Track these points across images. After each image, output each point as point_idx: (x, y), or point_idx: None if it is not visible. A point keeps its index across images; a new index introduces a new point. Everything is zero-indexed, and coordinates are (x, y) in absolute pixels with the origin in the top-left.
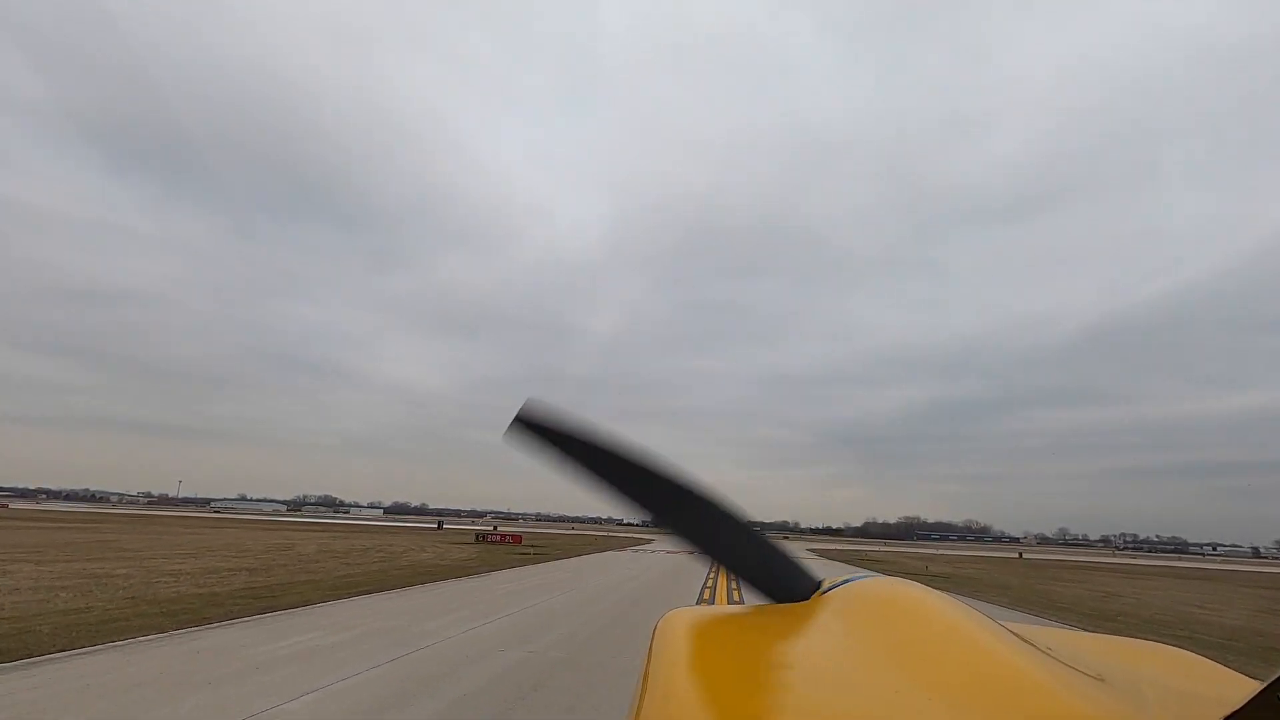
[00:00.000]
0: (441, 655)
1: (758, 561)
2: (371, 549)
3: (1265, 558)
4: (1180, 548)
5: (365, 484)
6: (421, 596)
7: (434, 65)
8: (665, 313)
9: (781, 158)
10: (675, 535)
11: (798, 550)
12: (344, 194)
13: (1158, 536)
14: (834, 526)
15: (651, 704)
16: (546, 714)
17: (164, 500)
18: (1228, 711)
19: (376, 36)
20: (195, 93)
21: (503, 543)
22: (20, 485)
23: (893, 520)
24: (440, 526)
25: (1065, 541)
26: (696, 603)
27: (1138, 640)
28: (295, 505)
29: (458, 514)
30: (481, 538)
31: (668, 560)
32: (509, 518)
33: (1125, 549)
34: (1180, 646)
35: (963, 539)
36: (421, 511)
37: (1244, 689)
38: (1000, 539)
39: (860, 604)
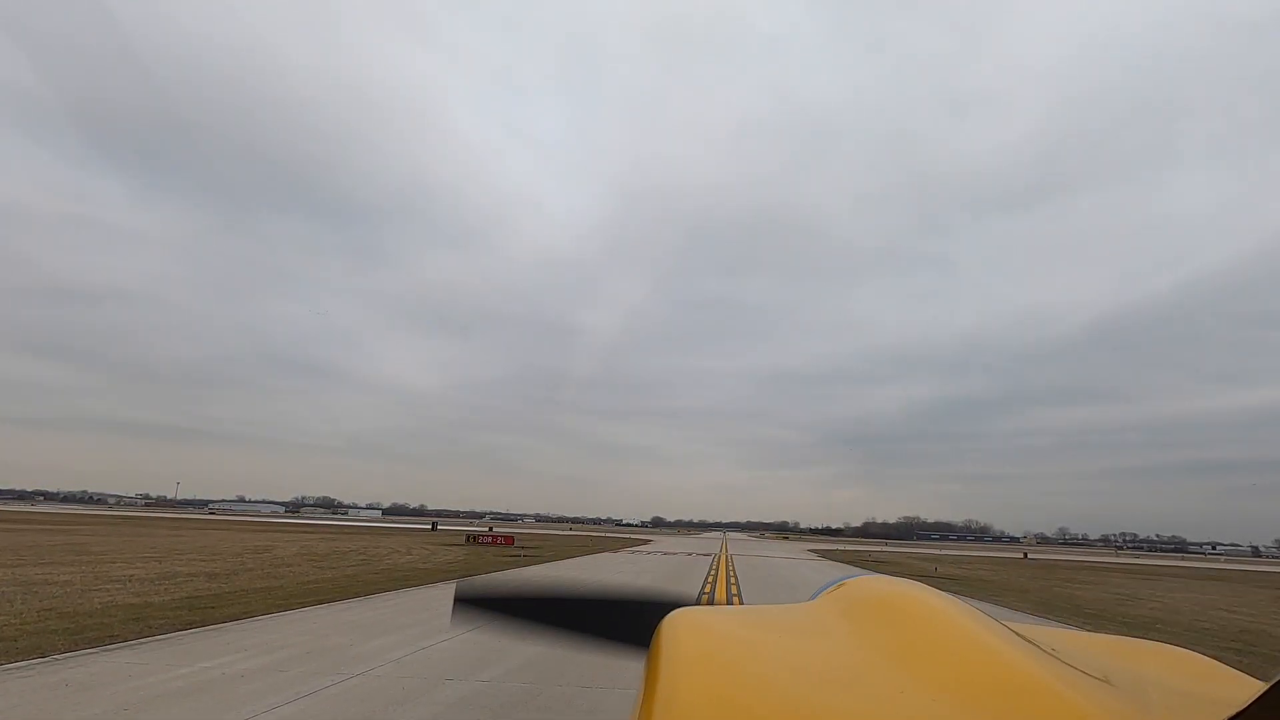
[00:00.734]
0: (371, 689)
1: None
2: (354, 551)
3: (1265, 557)
4: (1180, 547)
5: (365, 485)
6: (382, 606)
7: (430, 55)
8: (659, 309)
9: (778, 143)
10: (609, 646)
11: (798, 550)
12: (336, 186)
13: (1158, 536)
14: (834, 526)
15: (655, 704)
16: None
17: (162, 502)
18: (1232, 712)
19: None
20: (184, 78)
21: (495, 544)
22: (18, 488)
23: (893, 520)
24: (434, 528)
25: (1066, 541)
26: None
27: (1141, 640)
28: (294, 507)
29: (456, 515)
30: (473, 539)
31: (665, 562)
32: (507, 519)
33: (1126, 548)
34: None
35: (963, 539)
36: (420, 513)
37: (1248, 689)
38: (1000, 539)
39: (863, 604)
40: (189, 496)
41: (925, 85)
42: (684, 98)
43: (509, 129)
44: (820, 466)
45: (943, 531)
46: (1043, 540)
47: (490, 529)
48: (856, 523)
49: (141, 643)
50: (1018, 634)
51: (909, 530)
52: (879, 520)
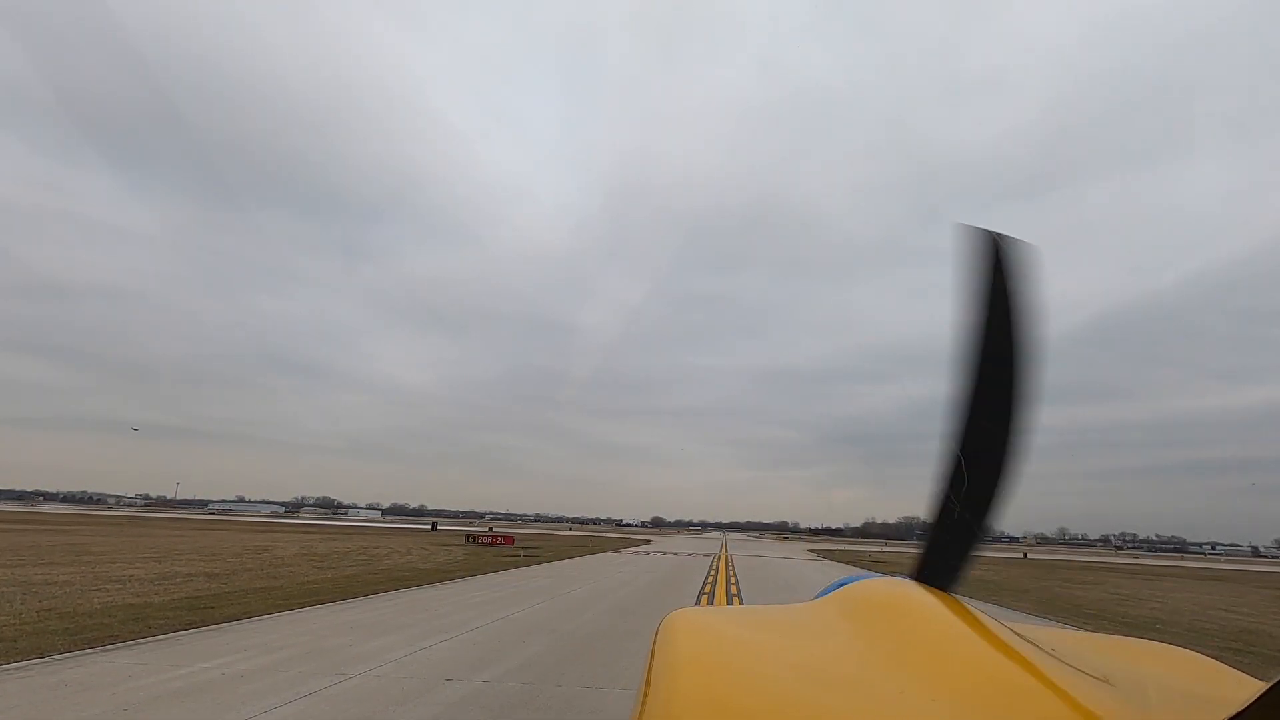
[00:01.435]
0: (371, 689)
1: (949, 539)
2: (353, 552)
3: (1265, 557)
4: (1180, 547)
5: (365, 485)
6: (381, 606)
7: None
8: (655, 306)
9: (771, 130)
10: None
11: (798, 550)
12: (330, 182)
13: (1157, 536)
14: (834, 526)
15: (654, 705)
16: None
17: (162, 502)
18: (1233, 712)
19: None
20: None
21: (494, 544)
22: (18, 488)
23: (893, 520)
24: (434, 528)
25: (1065, 541)
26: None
27: (1141, 640)
28: (293, 507)
29: (456, 515)
30: (473, 539)
31: (665, 563)
32: (507, 519)
33: (1125, 548)
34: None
35: None
36: (420, 513)
37: (1249, 689)
38: (1000, 538)
39: (863, 604)
40: (189, 497)
41: (924, 67)
42: (674, 84)
43: (499, 120)
44: (819, 466)
45: (979, 550)
46: (1042, 540)
47: (490, 529)
48: (856, 523)
49: (141, 643)
50: (1017, 634)
51: (909, 530)
52: (879, 520)
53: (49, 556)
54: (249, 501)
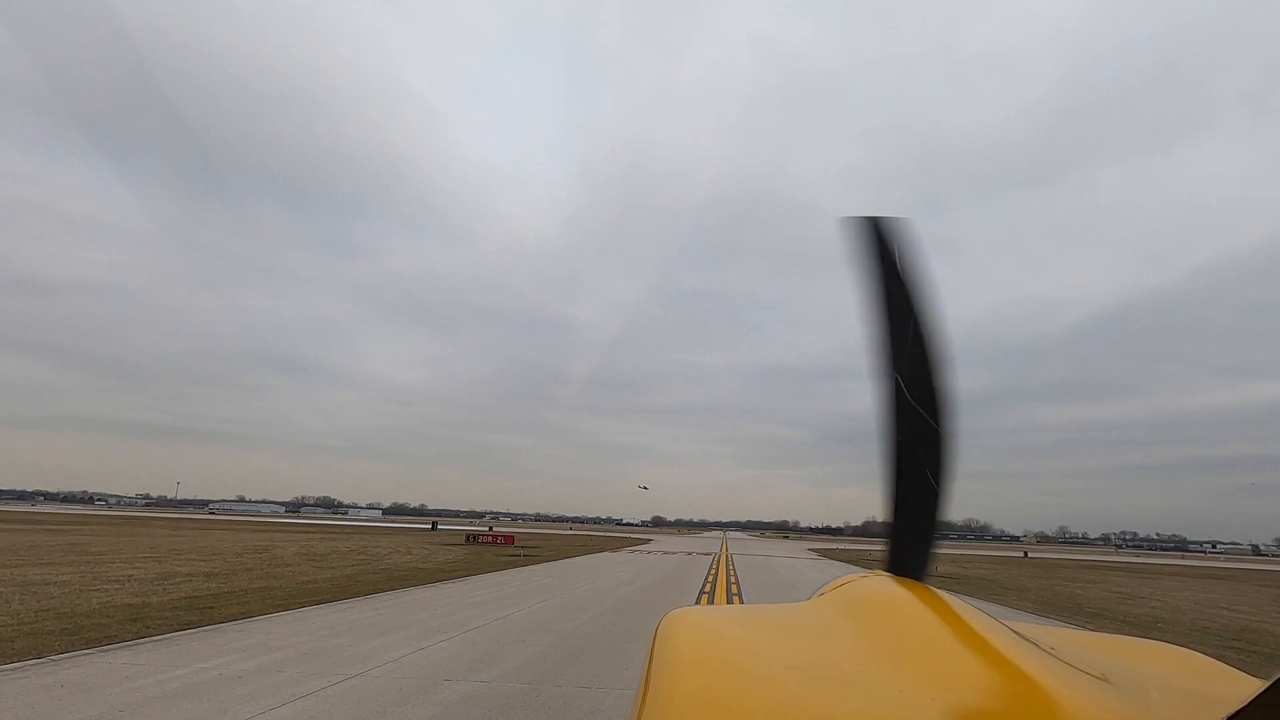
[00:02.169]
0: (369, 689)
1: (912, 523)
2: (353, 551)
3: (1266, 555)
4: (1180, 545)
5: (365, 485)
6: (381, 606)
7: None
8: (646, 301)
9: (764, 114)
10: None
11: (798, 550)
12: (326, 179)
13: (1158, 534)
14: (834, 526)
15: (653, 705)
16: None
17: (162, 502)
18: (1231, 710)
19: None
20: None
21: (494, 544)
22: (18, 488)
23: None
24: (434, 527)
25: (1066, 540)
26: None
27: (1140, 639)
28: (294, 507)
29: (456, 515)
30: (473, 539)
31: (665, 562)
32: (508, 518)
33: (1126, 547)
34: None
35: (963, 538)
36: (420, 512)
37: (1248, 688)
38: (1000, 537)
39: (862, 603)
40: (189, 496)
41: (923, 44)
42: (662, 66)
43: (480, 101)
44: (819, 465)
45: (943, 530)
46: (1043, 539)
47: (490, 529)
48: (856, 522)
49: (139, 643)
50: (1017, 633)
51: None
52: (879, 519)
53: (48, 556)
54: (249, 501)
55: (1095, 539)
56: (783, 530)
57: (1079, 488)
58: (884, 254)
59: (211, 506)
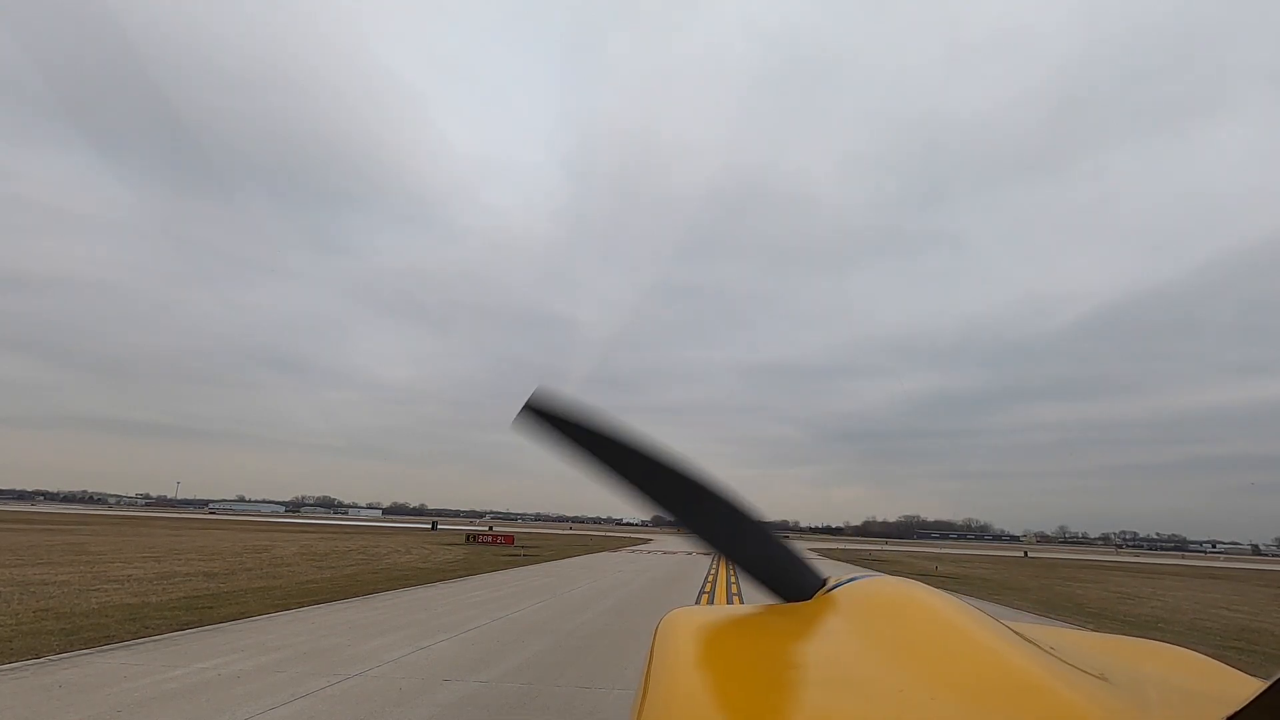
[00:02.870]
0: (367, 690)
1: (766, 559)
2: (353, 551)
3: (1266, 555)
4: (1180, 545)
5: (365, 485)
6: (380, 606)
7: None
8: (642, 299)
9: (759, 99)
10: (685, 530)
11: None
12: (324, 177)
13: (1158, 534)
14: (834, 525)
15: (653, 705)
16: None
17: (162, 502)
18: (1231, 710)
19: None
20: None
21: (494, 543)
22: (18, 488)
23: (893, 519)
24: (434, 527)
25: (1066, 539)
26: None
27: (1140, 639)
28: (294, 506)
29: (456, 514)
30: (473, 538)
31: (665, 562)
32: (508, 518)
33: (1125, 547)
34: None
35: (963, 537)
36: (420, 512)
37: (1247, 688)
38: (1000, 537)
39: (863, 603)
40: (189, 496)
41: (925, 23)
42: (653, 50)
43: (482, 103)
44: (819, 464)
45: (943, 530)
46: (1043, 539)
47: (490, 528)
48: (856, 521)
49: (138, 643)
50: (1017, 633)
51: (909, 529)
52: (879, 519)
53: (48, 556)
54: (249, 501)
55: (1095, 539)
56: (783, 530)
57: (1079, 487)
58: (562, 423)
59: (211, 506)
